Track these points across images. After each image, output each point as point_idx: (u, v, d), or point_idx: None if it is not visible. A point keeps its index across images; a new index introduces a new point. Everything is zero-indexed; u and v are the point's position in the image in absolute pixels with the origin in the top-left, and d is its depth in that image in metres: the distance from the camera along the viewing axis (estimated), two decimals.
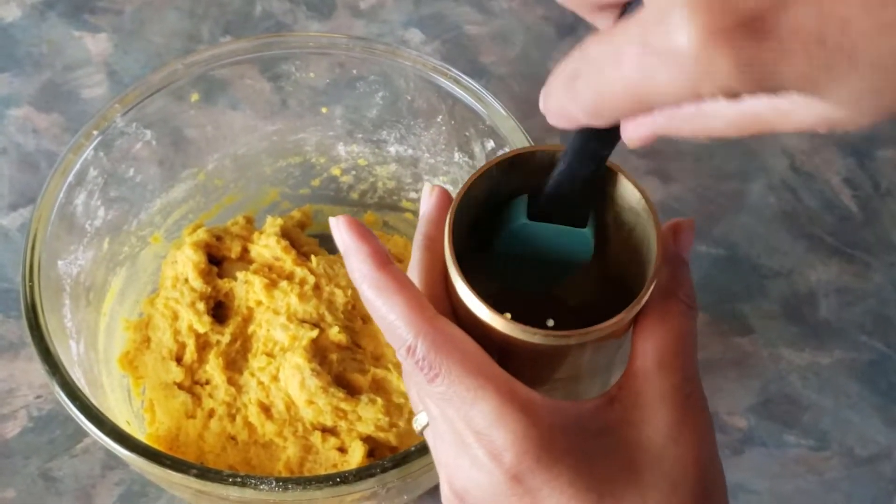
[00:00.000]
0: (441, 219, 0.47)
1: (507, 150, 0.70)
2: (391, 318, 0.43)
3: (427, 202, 0.48)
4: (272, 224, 0.76)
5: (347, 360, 0.70)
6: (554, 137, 0.91)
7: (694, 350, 0.46)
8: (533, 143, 0.69)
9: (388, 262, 0.44)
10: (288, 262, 0.74)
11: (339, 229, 0.45)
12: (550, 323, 0.51)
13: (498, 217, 0.48)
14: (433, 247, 0.47)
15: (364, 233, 0.44)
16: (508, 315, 0.45)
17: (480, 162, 0.74)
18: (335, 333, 0.70)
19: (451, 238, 0.45)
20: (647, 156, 0.91)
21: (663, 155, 0.91)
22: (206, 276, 0.73)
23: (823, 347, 0.82)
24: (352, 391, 0.68)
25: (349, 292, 0.73)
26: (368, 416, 0.67)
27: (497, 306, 0.45)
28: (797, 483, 0.76)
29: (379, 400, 0.67)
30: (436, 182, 0.78)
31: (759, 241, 0.87)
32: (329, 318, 0.71)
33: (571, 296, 0.52)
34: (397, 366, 0.70)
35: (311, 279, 0.73)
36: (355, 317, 0.73)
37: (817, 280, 0.85)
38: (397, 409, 0.68)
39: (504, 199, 0.48)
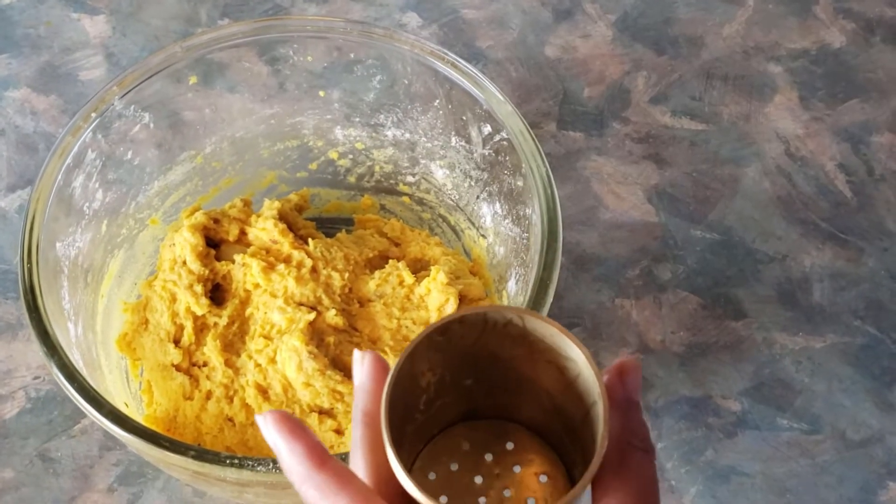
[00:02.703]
0: (378, 390, 0.44)
1: (503, 133, 0.70)
2: None
3: (360, 372, 0.45)
4: (269, 207, 0.76)
5: (344, 343, 0.70)
6: (550, 121, 0.92)
7: (656, 495, 0.44)
8: (528, 126, 0.69)
9: (327, 459, 0.41)
10: (285, 245, 0.74)
11: (268, 428, 0.42)
12: (510, 446, 0.51)
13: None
14: (373, 423, 0.43)
15: (295, 428, 0.42)
16: (444, 499, 0.45)
17: (477, 146, 0.74)
18: (332, 316, 0.70)
19: (387, 420, 0.43)
20: (642, 140, 0.91)
21: (659, 140, 0.91)
22: (203, 258, 0.73)
23: (817, 332, 0.83)
24: (348, 374, 0.69)
25: (346, 276, 0.73)
26: None
27: (458, 425, 0.49)
28: (790, 466, 0.77)
29: None
30: (433, 166, 0.78)
31: (753, 225, 0.87)
32: (326, 301, 0.71)
33: (527, 419, 0.52)
34: (393, 349, 0.71)
35: (309, 262, 0.73)
36: (352, 300, 0.73)
37: (811, 265, 0.86)
38: None
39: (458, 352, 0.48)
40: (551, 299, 0.63)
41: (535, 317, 0.46)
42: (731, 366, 0.81)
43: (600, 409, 0.45)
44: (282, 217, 0.76)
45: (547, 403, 0.51)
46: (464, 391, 0.51)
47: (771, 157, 0.91)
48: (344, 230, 0.79)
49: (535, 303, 0.63)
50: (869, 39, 0.98)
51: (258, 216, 0.76)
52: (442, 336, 0.46)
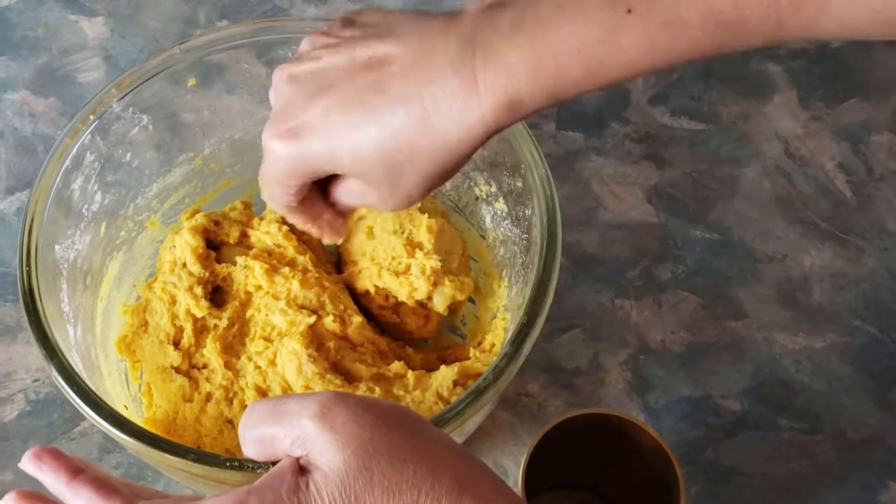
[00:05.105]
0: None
1: (502, 134, 0.70)
2: None
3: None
4: (272, 211, 0.76)
5: (345, 350, 0.70)
6: (549, 122, 0.91)
7: None
8: (527, 126, 0.69)
9: (78, 471, 0.48)
10: (289, 249, 0.74)
11: (25, 467, 0.50)
12: None
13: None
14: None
15: (40, 454, 0.49)
16: None
17: None
18: (330, 322, 0.70)
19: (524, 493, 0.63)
20: (642, 140, 0.91)
21: (658, 140, 0.91)
22: (204, 260, 0.73)
23: (817, 332, 0.82)
24: (349, 378, 0.69)
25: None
26: None
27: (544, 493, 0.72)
28: (790, 466, 0.77)
29: (377, 389, 0.67)
30: None
31: (753, 225, 0.87)
32: (329, 306, 0.71)
33: (609, 492, 0.73)
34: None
35: (314, 267, 0.73)
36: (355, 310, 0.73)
37: (811, 265, 0.86)
38: (395, 401, 0.68)
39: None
40: (551, 300, 0.63)
41: (626, 416, 0.65)
42: (730, 366, 0.81)
43: (678, 491, 0.63)
44: (284, 221, 0.76)
45: (629, 482, 0.69)
46: (558, 466, 0.68)
47: (770, 156, 0.91)
48: None
49: (535, 303, 0.63)
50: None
51: (260, 219, 0.76)
52: (556, 429, 0.64)
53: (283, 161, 0.58)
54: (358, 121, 0.54)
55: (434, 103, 0.53)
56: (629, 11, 0.51)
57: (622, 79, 0.53)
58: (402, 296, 0.72)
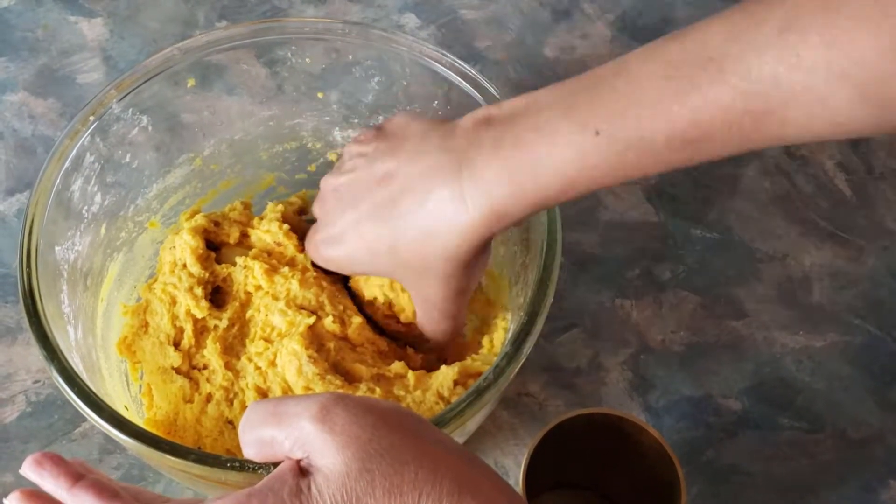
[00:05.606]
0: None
1: None
2: None
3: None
4: (273, 210, 0.76)
5: (345, 350, 0.70)
6: None
7: None
8: None
9: (79, 477, 0.48)
10: (290, 247, 0.74)
11: (25, 473, 0.50)
12: None
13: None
14: None
15: (40, 460, 0.49)
16: None
17: None
18: (329, 323, 0.70)
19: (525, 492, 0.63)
20: None
21: None
22: (204, 261, 0.73)
23: (817, 331, 0.83)
24: (349, 379, 0.69)
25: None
26: None
27: (545, 494, 0.72)
28: (790, 465, 0.77)
29: (378, 389, 0.67)
30: None
31: (753, 225, 0.87)
32: (328, 307, 0.71)
33: (611, 492, 0.73)
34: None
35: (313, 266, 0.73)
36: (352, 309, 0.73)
37: (811, 264, 0.86)
38: (396, 401, 0.68)
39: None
40: (551, 300, 0.63)
41: (626, 416, 0.65)
42: (731, 365, 0.81)
43: (678, 490, 0.63)
44: (285, 220, 0.76)
45: (629, 481, 0.69)
46: (558, 466, 0.68)
47: (770, 156, 0.91)
48: None
49: (535, 303, 0.63)
50: None
51: (259, 219, 0.76)
52: (557, 429, 0.64)
53: (331, 263, 0.69)
54: (381, 232, 0.63)
55: (433, 216, 0.60)
56: (597, 134, 0.55)
57: (598, 189, 0.58)
58: (410, 313, 0.72)
